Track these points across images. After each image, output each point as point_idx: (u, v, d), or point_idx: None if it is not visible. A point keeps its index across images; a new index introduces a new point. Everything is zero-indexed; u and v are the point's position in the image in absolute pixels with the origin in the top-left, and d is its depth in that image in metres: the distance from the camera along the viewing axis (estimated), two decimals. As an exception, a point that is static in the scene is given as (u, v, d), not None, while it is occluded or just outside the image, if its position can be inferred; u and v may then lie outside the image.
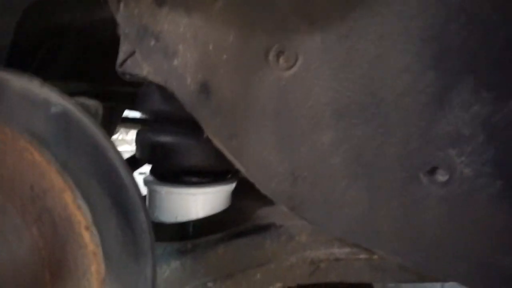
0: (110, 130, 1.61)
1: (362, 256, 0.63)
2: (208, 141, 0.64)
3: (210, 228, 0.70)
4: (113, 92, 1.36)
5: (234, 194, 0.79)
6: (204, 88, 0.54)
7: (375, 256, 0.62)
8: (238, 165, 0.58)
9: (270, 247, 0.67)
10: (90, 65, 1.01)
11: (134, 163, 1.01)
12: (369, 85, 0.47)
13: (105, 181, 0.47)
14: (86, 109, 0.52)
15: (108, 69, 1.08)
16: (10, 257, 0.44)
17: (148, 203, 0.73)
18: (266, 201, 0.82)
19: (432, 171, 0.47)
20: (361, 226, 0.50)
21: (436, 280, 0.57)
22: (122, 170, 0.48)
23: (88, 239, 0.44)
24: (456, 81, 0.44)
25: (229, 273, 0.65)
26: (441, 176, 0.47)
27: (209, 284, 0.63)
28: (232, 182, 0.74)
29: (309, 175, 0.54)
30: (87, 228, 0.44)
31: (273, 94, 0.52)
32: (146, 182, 0.72)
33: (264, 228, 0.68)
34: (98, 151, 0.47)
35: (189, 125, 0.67)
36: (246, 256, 0.66)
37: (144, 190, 0.74)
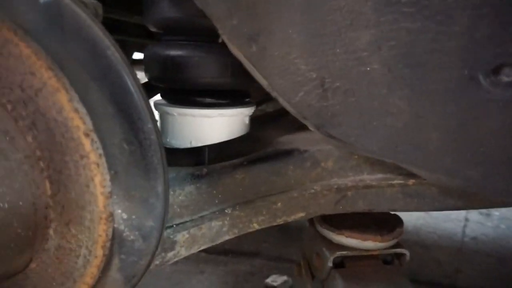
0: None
1: (396, 181, 0.56)
2: (224, 54, 0.56)
3: (227, 155, 0.64)
4: (121, 24, 1.27)
5: (253, 123, 0.72)
6: (219, -21, 0.45)
7: (411, 181, 0.55)
8: (257, 75, 0.50)
9: (293, 173, 0.61)
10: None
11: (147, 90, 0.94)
12: (426, -42, 0.37)
13: (106, 84, 0.41)
14: (83, 5, 0.44)
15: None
16: (6, 166, 0.39)
17: (160, 127, 0.67)
18: (287, 130, 0.76)
19: (497, 69, 0.38)
20: (405, 138, 0.43)
21: (483, 206, 0.50)
22: (125, 72, 0.41)
23: (89, 148, 0.38)
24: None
25: (248, 200, 0.60)
26: (507, 77, 0.38)
27: (227, 210, 0.58)
28: (251, 105, 0.67)
29: (343, 84, 0.47)
30: (87, 135, 0.38)
31: (303, -20, 0.43)
32: (157, 105, 0.66)
33: (286, 153, 0.62)
34: (97, 49, 0.40)
35: (203, 36, 0.59)
36: (266, 182, 0.61)
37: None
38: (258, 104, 0.94)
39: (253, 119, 0.71)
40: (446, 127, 0.42)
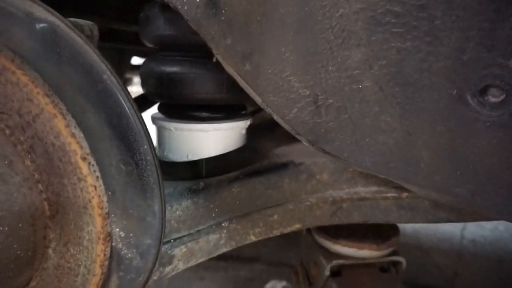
0: (119, 74, 1.53)
1: (390, 194, 0.57)
2: (219, 70, 0.57)
3: (224, 167, 0.65)
4: (119, 32, 1.28)
5: (249, 133, 0.73)
6: (212, 1, 0.46)
7: (405, 194, 0.56)
8: (252, 92, 0.51)
9: (289, 186, 0.62)
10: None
11: (143, 103, 0.96)
12: (413, -17, 0.38)
13: (103, 108, 0.41)
14: (78, 28, 0.45)
15: (108, 2, 1.00)
16: (5, 190, 0.40)
17: (157, 141, 0.68)
18: (283, 141, 0.77)
19: (484, 90, 0.39)
20: (397, 156, 0.44)
21: (475, 219, 0.51)
22: (121, 95, 0.42)
23: (86, 171, 0.39)
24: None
25: (245, 213, 0.61)
26: (494, 97, 0.39)
27: (224, 224, 0.59)
28: (247, 118, 0.68)
29: (335, 101, 0.47)
30: (84, 159, 0.39)
31: (295, 2, 0.44)
32: (154, 119, 0.67)
33: (282, 166, 0.62)
34: (93, 74, 0.41)
35: (198, 52, 0.60)
36: (262, 195, 0.62)
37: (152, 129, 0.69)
38: (256, 111, 0.95)
39: (250, 127, 0.72)
40: (436, 145, 0.43)
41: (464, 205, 0.42)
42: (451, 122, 0.41)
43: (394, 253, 0.70)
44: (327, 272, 0.68)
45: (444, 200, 0.45)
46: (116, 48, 1.41)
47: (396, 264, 0.71)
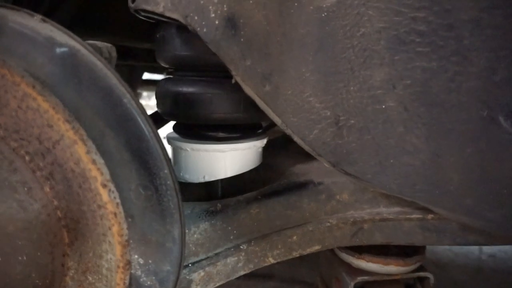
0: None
1: (414, 216, 0.55)
2: (236, 90, 0.57)
3: (241, 188, 0.64)
4: (131, 49, 1.29)
5: (265, 152, 0.72)
6: (231, 23, 0.46)
7: (430, 216, 0.54)
8: (271, 113, 0.50)
9: (308, 206, 0.61)
10: (98, 15, 0.94)
11: (157, 120, 0.95)
12: (439, 1, 0.37)
13: (122, 132, 0.41)
14: (97, 51, 0.45)
15: (121, 21, 1.01)
16: (24, 218, 0.39)
17: (172, 162, 0.67)
18: (298, 158, 0.75)
19: (517, 111, 0.37)
20: (423, 178, 0.43)
21: (507, 242, 0.49)
22: (141, 119, 0.41)
23: (106, 198, 0.38)
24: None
25: (264, 234, 0.59)
26: (528, 118, 0.38)
27: (242, 246, 0.57)
28: (263, 138, 0.67)
29: (358, 121, 0.46)
30: (104, 185, 0.38)
31: (315, 22, 0.43)
32: (169, 139, 0.66)
33: (301, 186, 0.61)
34: (113, 98, 0.41)
35: (215, 72, 0.59)
36: (281, 216, 0.60)
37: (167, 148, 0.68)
38: (269, 127, 0.94)
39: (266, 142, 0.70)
40: (466, 168, 0.41)
41: (497, 230, 0.41)
42: (482, 143, 0.39)
43: (420, 268, 0.67)
44: (351, 289, 0.65)
45: (474, 224, 0.43)
46: (127, 65, 1.43)
47: (422, 279, 0.68)
